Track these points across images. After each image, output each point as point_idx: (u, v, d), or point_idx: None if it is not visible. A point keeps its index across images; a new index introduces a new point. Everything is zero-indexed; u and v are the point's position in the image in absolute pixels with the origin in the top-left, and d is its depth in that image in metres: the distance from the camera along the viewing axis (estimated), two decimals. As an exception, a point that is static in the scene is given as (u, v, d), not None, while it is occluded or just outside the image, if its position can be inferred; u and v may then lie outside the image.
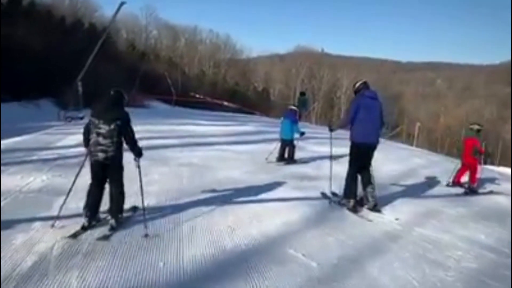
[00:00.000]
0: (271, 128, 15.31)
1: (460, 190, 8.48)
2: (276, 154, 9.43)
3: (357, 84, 6.06)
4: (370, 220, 5.59)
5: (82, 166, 4.83)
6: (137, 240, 4.30)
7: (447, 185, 8.84)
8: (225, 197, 6.13)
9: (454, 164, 12.64)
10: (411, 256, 4.47)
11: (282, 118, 9.79)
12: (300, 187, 7.13)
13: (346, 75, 73.06)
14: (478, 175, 8.73)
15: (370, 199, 5.93)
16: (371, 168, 6.08)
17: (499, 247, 5.03)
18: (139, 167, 4.71)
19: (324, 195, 6.57)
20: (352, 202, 5.91)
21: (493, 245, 5.08)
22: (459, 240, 5.15)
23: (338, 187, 6.52)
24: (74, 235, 4.27)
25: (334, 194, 6.56)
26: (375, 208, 5.92)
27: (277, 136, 10.10)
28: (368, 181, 5.94)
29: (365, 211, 5.96)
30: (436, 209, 6.69)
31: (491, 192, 8.54)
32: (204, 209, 5.46)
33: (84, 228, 4.45)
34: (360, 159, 5.89)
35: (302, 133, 9.54)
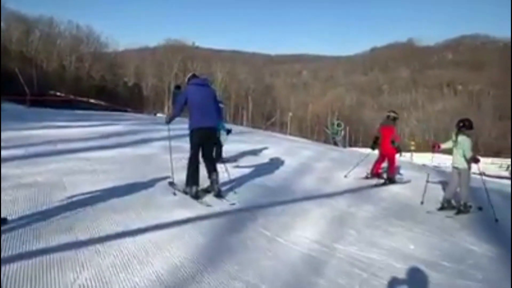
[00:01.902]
0: (145, 127, 13.39)
1: (354, 182, 8.02)
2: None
3: (188, 76, 6.07)
4: (209, 205, 5.36)
5: None
6: None
7: (366, 177, 8.39)
8: (82, 233, 4.25)
9: (341, 153, 12.50)
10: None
11: None
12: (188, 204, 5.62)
13: (220, 69, 73.12)
14: (396, 164, 8.43)
15: (215, 186, 5.83)
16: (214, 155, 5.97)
17: (435, 259, 4.32)
18: None
19: (171, 184, 6.05)
20: (194, 189, 5.68)
21: (428, 258, 4.34)
22: (389, 255, 4.28)
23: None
24: None
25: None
26: (219, 194, 5.80)
27: (155, 135, 8.85)
28: (213, 168, 5.84)
29: (208, 198, 5.68)
30: (345, 211, 5.90)
31: (385, 184, 8.16)
32: (45, 258, 3.52)
33: None
34: (199, 144, 5.76)
35: (229, 131, 8.55)
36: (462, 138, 6.31)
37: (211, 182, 5.87)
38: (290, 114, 62.99)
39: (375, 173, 8.43)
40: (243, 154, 9.67)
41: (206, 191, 5.94)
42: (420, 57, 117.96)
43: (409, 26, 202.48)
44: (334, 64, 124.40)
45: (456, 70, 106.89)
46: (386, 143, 8.18)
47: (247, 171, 7.81)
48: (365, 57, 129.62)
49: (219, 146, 8.55)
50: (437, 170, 13.69)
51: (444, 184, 8.40)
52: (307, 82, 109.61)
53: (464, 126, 6.37)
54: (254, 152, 10.05)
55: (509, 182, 13.41)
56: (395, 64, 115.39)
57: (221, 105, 9.17)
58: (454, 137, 6.48)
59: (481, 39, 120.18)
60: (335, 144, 31.16)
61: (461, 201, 6.28)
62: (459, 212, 6.19)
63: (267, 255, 4.00)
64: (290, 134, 45.26)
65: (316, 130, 68.85)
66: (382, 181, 8.17)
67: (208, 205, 5.38)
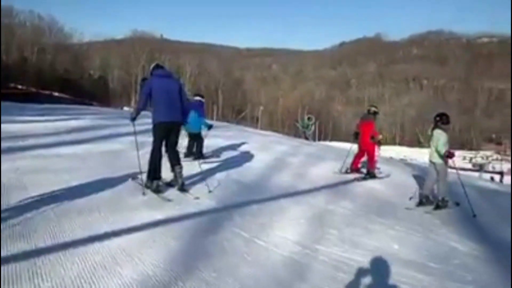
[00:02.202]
0: (112, 121, 12.80)
1: (330, 178, 7.87)
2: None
3: (152, 66, 5.88)
4: (169, 200, 5.17)
5: None
6: None
7: (346, 171, 8.30)
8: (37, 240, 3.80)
9: (315, 148, 12.40)
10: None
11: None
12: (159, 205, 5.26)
13: (189, 61, 72.08)
14: (376, 159, 8.31)
15: (179, 179, 5.68)
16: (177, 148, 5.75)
17: (422, 260, 4.17)
18: None
19: (134, 179, 5.88)
20: (155, 183, 5.54)
21: (415, 259, 4.18)
22: (374, 256, 4.08)
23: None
24: None
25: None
26: (183, 188, 5.65)
27: (122, 130, 8.90)
28: (176, 161, 5.69)
29: (170, 192, 5.51)
30: (323, 208, 5.70)
31: (365, 178, 8.08)
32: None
33: None
34: (162, 138, 5.59)
35: (210, 126, 8.53)
36: (436, 133, 6.21)
37: (175, 176, 5.74)
38: (261, 108, 63.14)
39: (354, 168, 8.36)
40: (217, 149, 9.35)
41: (170, 185, 5.80)
42: (387, 52, 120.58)
43: (377, 21, 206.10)
44: (303, 59, 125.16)
45: (422, 65, 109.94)
46: (366, 138, 8.10)
47: (221, 167, 7.52)
48: (334, 52, 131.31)
49: (201, 141, 8.45)
50: (405, 163, 13.88)
51: (419, 179, 8.42)
52: (277, 76, 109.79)
53: (441, 120, 6.27)
54: (228, 148, 9.77)
55: (474, 174, 13.71)
56: (363, 58, 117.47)
57: (199, 99, 8.92)
58: (429, 132, 6.39)
59: (445, 35, 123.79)
60: (306, 138, 31.23)
61: (439, 196, 6.22)
62: (437, 207, 6.13)
63: (247, 259, 3.73)
64: (261, 128, 45.22)
65: (286, 124, 69.08)
66: (362, 175, 8.11)
67: (169, 200, 5.22)
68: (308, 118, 33.21)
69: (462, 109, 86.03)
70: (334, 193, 6.71)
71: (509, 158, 63.89)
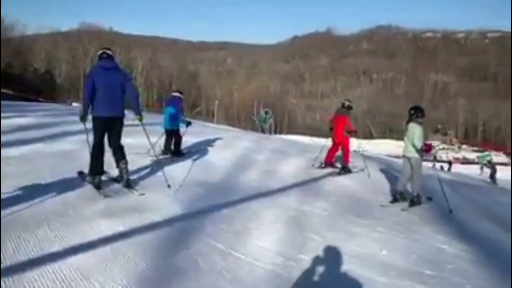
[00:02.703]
0: (60, 118, 11.80)
1: (299, 175, 7.58)
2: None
3: (99, 53, 5.50)
4: (107, 196, 4.89)
5: None
6: None
7: (320, 166, 8.14)
8: None
9: (277, 143, 12.12)
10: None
11: (165, 106, 8.62)
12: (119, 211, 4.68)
13: (141, 55, 69.93)
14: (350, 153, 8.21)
15: (124, 175, 5.45)
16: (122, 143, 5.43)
17: (415, 268, 3.88)
18: None
19: (80, 174, 5.48)
20: (97, 179, 5.26)
21: (408, 267, 3.89)
22: (363, 265, 3.75)
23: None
24: None
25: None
26: (128, 184, 5.40)
27: (72, 128, 8.21)
28: (121, 156, 5.44)
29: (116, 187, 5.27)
30: (299, 209, 5.37)
31: (340, 173, 7.92)
32: None
33: None
34: (101, 133, 5.29)
35: (189, 123, 8.25)
36: (411, 127, 5.94)
37: (120, 172, 5.48)
38: (217, 102, 62.44)
39: (328, 163, 8.18)
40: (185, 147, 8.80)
41: (115, 180, 5.54)
42: (338, 46, 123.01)
43: (328, 16, 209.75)
44: (257, 52, 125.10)
45: (371, 59, 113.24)
46: (340, 131, 7.94)
47: (184, 165, 6.98)
48: (287, 46, 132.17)
49: (178, 138, 8.18)
50: (365, 156, 13.89)
51: (387, 173, 8.33)
52: (232, 70, 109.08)
53: (415, 114, 6.02)
54: (193, 145, 9.21)
55: (427, 164, 13.94)
56: (315, 52, 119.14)
57: (178, 95, 8.60)
58: (404, 125, 6.18)
59: (393, 30, 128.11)
60: (263, 131, 31.15)
61: (414, 192, 5.99)
62: (412, 204, 5.95)
63: (226, 277, 3.27)
64: (217, 122, 44.69)
65: (242, 118, 68.75)
66: (337, 170, 8.00)
67: (107, 196, 4.96)
68: (266, 112, 33.29)
69: (409, 101, 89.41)
70: (305, 191, 6.39)
71: (454, 147, 67.46)
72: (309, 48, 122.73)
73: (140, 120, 5.50)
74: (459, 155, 57.35)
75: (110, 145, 5.43)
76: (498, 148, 61.89)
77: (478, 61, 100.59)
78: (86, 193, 4.96)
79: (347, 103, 8.14)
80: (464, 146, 69.50)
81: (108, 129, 5.34)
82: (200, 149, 8.89)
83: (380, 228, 4.87)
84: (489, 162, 31.72)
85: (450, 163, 36.32)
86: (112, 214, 4.34)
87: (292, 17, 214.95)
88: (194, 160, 7.67)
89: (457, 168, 32.91)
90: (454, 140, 74.81)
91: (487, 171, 27.03)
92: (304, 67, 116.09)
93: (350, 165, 8.16)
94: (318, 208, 5.51)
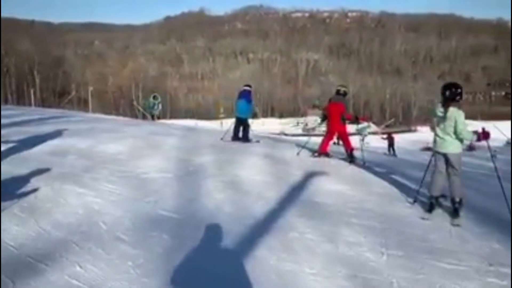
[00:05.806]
0: None
1: (277, 171, 6.46)
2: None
3: None
4: None
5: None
6: None
7: (313, 156, 7.74)
8: None
9: (209, 135, 10.78)
10: None
11: (237, 99, 9.49)
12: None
13: None
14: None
15: None
16: None
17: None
18: None
19: None
20: None
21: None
22: None
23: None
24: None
25: None
26: None
27: None
28: None
29: None
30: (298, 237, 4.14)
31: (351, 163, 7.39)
32: None
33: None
34: None
35: (255, 114, 8.05)
36: (452, 111, 4.39)
37: None
38: (91, 88, 56.47)
39: (322, 152, 7.69)
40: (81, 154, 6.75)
41: None
42: (213, 27, 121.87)
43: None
44: (129, 33, 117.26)
45: (246, 39, 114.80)
46: (336, 120, 7.39)
47: (110, 186, 5.13)
48: (160, 26, 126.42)
49: (247, 127, 9.38)
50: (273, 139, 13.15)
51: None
52: (102, 53, 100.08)
53: (456, 93, 4.44)
54: (94, 153, 7.04)
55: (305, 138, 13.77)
56: (190, 33, 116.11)
57: (248, 88, 9.49)
58: (438, 111, 4.56)
59: (264, 9, 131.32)
60: (152, 118, 28.82)
61: (456, 197, 4.54)
62: (456, 213, 4.52)
63: None
64: (92, 111, 40.22)
65: (121, 104, 63.78)
66: (331, 159, 7.64)
67: None
68: (154, 97, 30.65)
69: (286, 80, 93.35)
70: (292, 204, 4.85)
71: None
72: (184, 28, 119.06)
73: None
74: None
75: None
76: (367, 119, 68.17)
77: (343, 39, 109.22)
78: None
79: (342, 89, 7.57)
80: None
81: None
82: (117, 157, 6.91)
83: (461, 267, 3.44)
84: (372, 133, 33.98)
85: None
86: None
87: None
88: (122, 175, 5.82)
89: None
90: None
91: (368, 141, 28.40)
92: (181, 48, 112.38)
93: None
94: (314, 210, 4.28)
